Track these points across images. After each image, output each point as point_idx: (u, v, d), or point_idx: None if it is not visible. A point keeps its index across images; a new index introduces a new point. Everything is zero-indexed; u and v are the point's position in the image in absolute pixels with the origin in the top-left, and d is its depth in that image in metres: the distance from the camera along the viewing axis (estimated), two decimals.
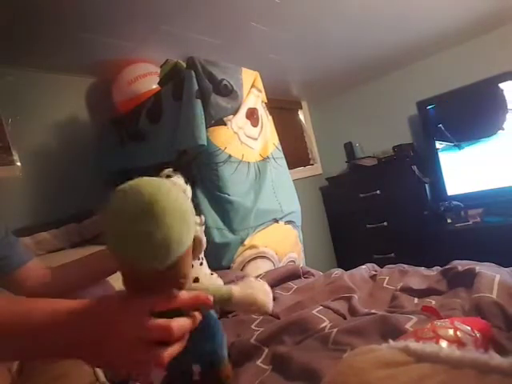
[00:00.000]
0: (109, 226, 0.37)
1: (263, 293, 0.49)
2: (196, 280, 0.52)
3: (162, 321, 0.40)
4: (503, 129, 2.31)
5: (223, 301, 0.47)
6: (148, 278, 0.39)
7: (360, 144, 3.05)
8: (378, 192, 2.74)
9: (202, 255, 0.51)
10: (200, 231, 0.46)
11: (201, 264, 0.49)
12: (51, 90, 1.73)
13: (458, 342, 0.46)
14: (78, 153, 1.77)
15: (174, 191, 0.38)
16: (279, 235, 1.62)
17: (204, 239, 0.46)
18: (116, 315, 0.40)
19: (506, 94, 2.31)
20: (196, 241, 0.43)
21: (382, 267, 1.12)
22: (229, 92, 1.48)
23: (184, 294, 0.43)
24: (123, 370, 0.44)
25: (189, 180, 0.53)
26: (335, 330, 0.66)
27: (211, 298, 0.44)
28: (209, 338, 0.50)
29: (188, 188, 0.54)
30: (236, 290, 0.48)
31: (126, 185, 0.38)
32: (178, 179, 0.52)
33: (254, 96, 1.62)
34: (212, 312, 0.53)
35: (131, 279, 0.41)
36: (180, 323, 0.41)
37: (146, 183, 0.38)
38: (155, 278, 0.39)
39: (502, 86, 2.27)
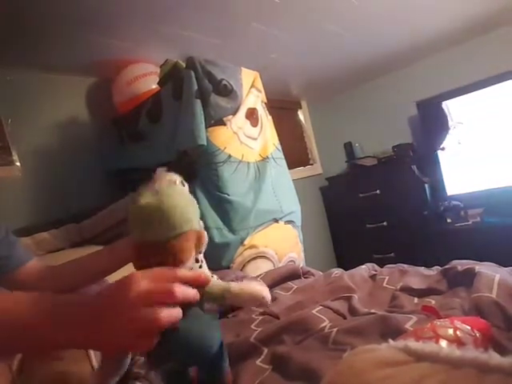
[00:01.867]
0: (131, 208, 0.47)
1: (261, 285, 0.52)
2: None
3: (163, 284, 0.41)
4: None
5: (223, 290, 0.49)
6: (156, 249, 0.45)
7: (360, 144, 3.05)
8: (377, 192, 2.74)
9: (201, 257, 0.51)
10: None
11: (200, 267, 0.50)
12: (51, 90, 1.73)
13: (457, 342, 0.46)
14: (77, 153, 1.77)
15: (180, 187, 0.50)
16: (279, 235, 1.62)
17: (206, 236, 0.50)
18: (118, 286, 0.41)
19: (447, 112, 2.42)
20: (199, 235, 0.49)
21: (381, 267, 1.12)
22: (228, 92, 1.48)
23: (185, 270, 0.45)
24: (122, 350, 0.43)
25: (188, 179, 0.55)
26: (335, 329, 0.66)
27: (211, 280, 0.48)
28: (209, 333, 0.49)
29: (185, 187, 0.56)
30: (234, 283, 0.50)
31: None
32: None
33: (253, 96, 1.62)
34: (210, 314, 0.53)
35: (142, 255, 0.47)
36: (183, 288, 0.42)
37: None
38: (162, 251, 0.45)
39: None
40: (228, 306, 0.95)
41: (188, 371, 0.52)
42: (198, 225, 0.50)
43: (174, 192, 0.48)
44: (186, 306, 0.44)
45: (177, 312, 0.41)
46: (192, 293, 0.43)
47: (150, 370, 0.67)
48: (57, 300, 0.42)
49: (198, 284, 0.46)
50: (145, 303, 0.39)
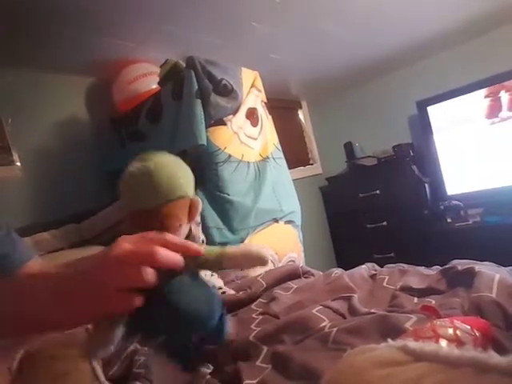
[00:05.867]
0: (127, 177, 0.47)
1: (258, 245, 0.49)
2: None
3: (146, 245, 0.40)
4: None
5: (218, 255, 0.46)
6: (144, 216, 0.45)
7: (360, 144, 3.05)
8: (377, 192, 2.74)
9: (195, 226, 0.52)
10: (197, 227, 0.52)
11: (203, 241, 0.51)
12: (51, 90, 1.73)
13: (457, 342, 0.46)
14: (77, 153, 1.77)
15: (172, 156, 0.50)
16: (279, 235, 1.62)
17: (200, 203, 0.50)
18: (102, 250, 0.41)
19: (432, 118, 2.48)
20: (192, 203, 0.49)
21: (381, 267, 1.12)
22: (229, 92, 1.48)
23: (173, 236, 0.43)
24: (101, 310, 0.40)
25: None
26: (335, 329, 0.66)
27: (203, 250, 0.44)
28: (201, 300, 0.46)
29: None
30: (230, 246, 0.48)
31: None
32: None
33: (253, 96, 1.62)
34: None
35: (132, 223, 0.47)
36: (166, 252, 0.40)
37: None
38: (149, 218, 0.45)
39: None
40: (227, 269, 0.90)
41: (188, 349, 0.50)
42: (190, 192, 0.49)
43: (164, 159, 0.48)
44: (171, 274, 0.42)
45: (151, 272, 0.39)
46: (176, 258, 0.41)
47: (143, 346, 0.64)
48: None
49: (188, 253, 0.43)
50: (123, 263, 0.38)
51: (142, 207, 0.46)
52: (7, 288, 0.42)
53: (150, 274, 0.38)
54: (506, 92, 2.27)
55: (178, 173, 0.48)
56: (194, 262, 0.44)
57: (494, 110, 2.33)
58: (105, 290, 0.38)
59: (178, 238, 0.43)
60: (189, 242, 0.44)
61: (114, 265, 0.38)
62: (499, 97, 2.30)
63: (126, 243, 0.40)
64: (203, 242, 0.50)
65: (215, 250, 0.46)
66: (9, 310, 0.40)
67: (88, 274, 0.39)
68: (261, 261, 0.46)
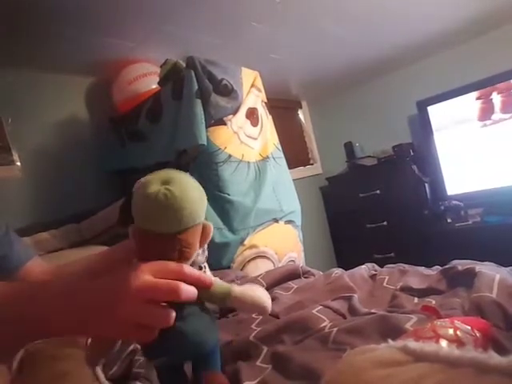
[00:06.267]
0: (139, 194, 0.44)
1: (263, 293, 0.50)
2: None
3: (169, 281, 0.40)
4: None
5: (224, 293, 0.47)
6: (160, 241, 0.43)
7: (360, 144, 3.05)
8: (377, 192, 2.74)
9: (206, 253, 0.51)
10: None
11: (201, 268, 0.50)
12: (51, 90, 1.73)
13: (457, 342, 0.46)
14: (77, 153, 1.77)
15: (196, 184, 0.47)
16: (279, 235, 1.62)
17: (211, 230, 0.48)
18: (121, 276, 0.40)
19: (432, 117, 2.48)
20: (205, 229, 0.47)
21: (381, 267, 1.12)
22: (229, 92, 1.48)
23: (191, 268, 0.44)
24: (119, 338, 0.42)
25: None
26: (335, 329, 0.66)
27: (213, 282, 0.46)
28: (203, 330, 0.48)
29: None
30: (236, 287, 0.49)
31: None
32: None
33: (253, 96, 1.62)
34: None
35: (143, 246, 0.45)
36: (187, 287, 0.41)
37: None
38: (166, 244, 0.43)
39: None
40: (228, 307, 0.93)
41: (182, 367, 0.51)
42: (203, 216, 0.47)
43: (186, 182, 0.45)
44: (183, 304, 0.43)
45: (174, 315, 0.41)
46: (194, 292, 0.42)
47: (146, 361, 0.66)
48: (55, 287, 0.43)
49: (202, 285, 0.44)
50: (148, 297, 0.39)
51: (160, 231, 0.43)
52: (17, 291, 0.42)
53: (173, 317, 0.40)
54: (498, 94, 2.27)
55: (198, 197, 0.45)
56: (203, 294, 0.45)
57: (486, 112, 2.33)
58: (123, 324, 0.39)
59: (195, 270, 0.45)
60: (203, 275, 0.45)
61: (135, 300, 0.38)
62: (491, 99, 2.30)
63: (146, 275, 0.39)
64: (204, 267, 0.49)
65: (223, 286, 0.48)
66: (13, 313, 0.40)
67: (107, 306, 0.39)
68: (263, 310, 0.49)
